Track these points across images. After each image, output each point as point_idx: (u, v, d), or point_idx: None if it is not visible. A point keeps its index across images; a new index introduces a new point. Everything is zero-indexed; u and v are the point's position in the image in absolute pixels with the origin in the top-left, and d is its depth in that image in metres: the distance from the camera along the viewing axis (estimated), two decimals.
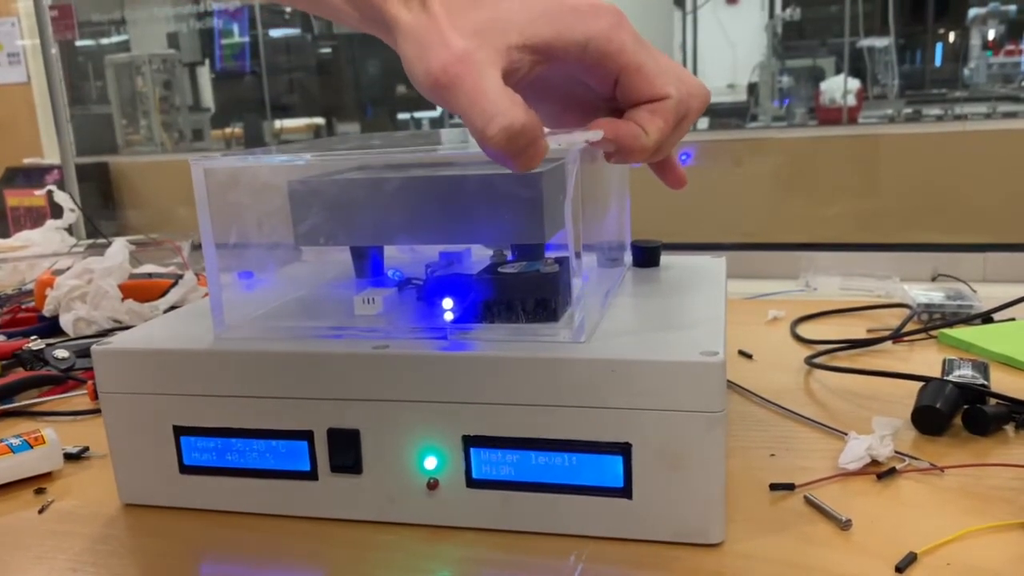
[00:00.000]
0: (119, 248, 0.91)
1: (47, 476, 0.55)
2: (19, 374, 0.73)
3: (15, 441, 0.54)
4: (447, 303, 0.49)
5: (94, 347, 0.49)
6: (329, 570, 0.43)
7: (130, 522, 0.49)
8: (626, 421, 0.43)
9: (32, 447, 0.54)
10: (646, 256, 0.64)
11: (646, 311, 0.52)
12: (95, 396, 0.50)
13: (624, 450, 0.43)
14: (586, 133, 0.42)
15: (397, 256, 0.62)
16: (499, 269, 0.49)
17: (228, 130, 4.36)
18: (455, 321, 0.48)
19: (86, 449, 0.58)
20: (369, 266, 0.57)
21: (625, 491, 0.43)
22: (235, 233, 0.51)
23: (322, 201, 0.52)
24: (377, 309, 0.51)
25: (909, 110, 3.68)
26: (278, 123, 4.27)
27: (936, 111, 3.65)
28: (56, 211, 1.22)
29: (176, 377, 0.48)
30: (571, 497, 0.44)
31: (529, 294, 0.47)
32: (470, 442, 0.45)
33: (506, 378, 0.44)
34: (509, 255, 0.54)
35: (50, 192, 1.19)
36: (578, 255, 0.45)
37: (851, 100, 3.56)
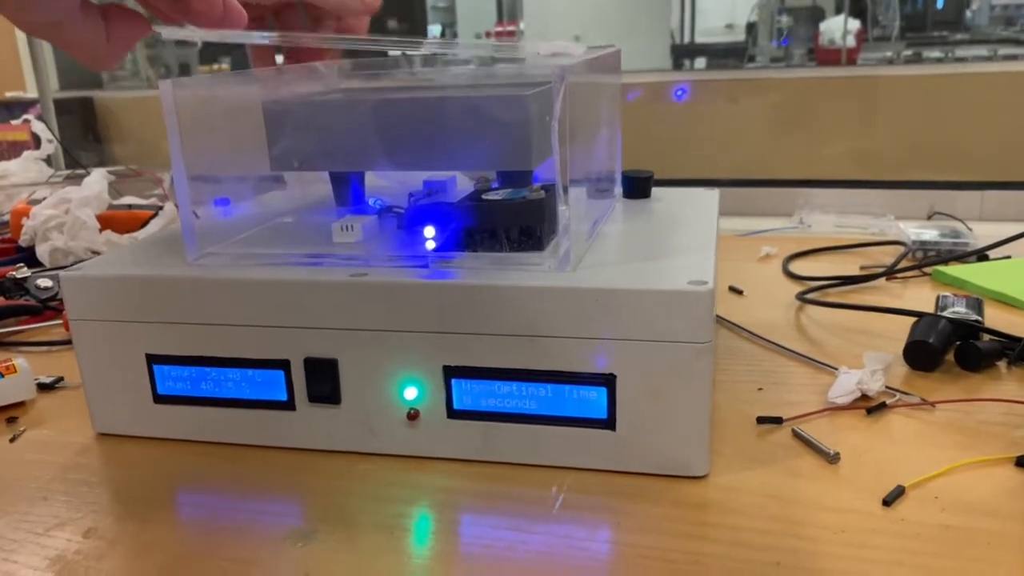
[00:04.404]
0: (97, 178, 0.89)
1: (19, 406, 0.54)
2: None
3: None
4: (428, 231, 0.48)
5: (63, 273, 0.48)
6: (307, 500, 0.43)
7: (103, 451, 0.48)
8: (611, 352, 0.41)
9: (3, 376, 0.53)
10: (637, 187, 0.62)
11: (635, 241, 0.51)
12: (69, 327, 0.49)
13: (608, 381, 0.42)
14: (572, 45, 0.40)
15: (380, 185, 0.60)
16: (483, 196, 0.47)
17: (216, 65, 4.26)
18: (437, 250, 0.47)
19: (60, 379, 0.57)
20: (349, 193, 0.55)
21: (609, 423, 0.42)
22: (209, 157, 0.49)
23: (298, 123, 0.49)
24: (356, 237, 0.49)
25: (909, 52, 3.61)
26: None
27: (936, 54, 3.59)
28: (39, 144, 1.19)
29: (148, 304, 0.47)
30: (553, 428, 0.43)
31: (513, 222, 0.46)
32: (451, 372, 0.44)
33: (488, 308, 0.42)
34: (494, 183, 0.52)
35: (27, 122, 1.16)
36: (565, 182, 0.43)
37: (851, 41, 3.50)
